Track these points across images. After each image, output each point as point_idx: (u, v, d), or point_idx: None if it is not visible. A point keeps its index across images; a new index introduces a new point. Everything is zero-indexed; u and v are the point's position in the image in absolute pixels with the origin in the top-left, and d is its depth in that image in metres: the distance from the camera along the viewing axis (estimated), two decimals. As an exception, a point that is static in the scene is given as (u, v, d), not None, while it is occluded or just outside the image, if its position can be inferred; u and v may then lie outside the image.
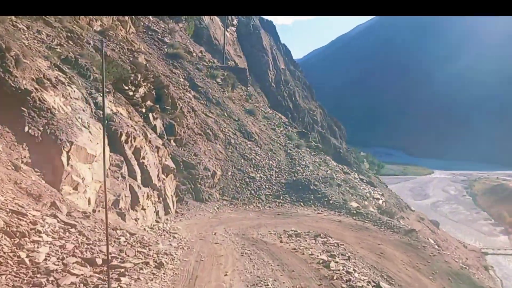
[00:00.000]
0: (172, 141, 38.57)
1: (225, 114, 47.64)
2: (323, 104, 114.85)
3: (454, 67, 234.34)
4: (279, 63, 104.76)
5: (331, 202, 40.44)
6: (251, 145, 45.84)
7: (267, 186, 41.79)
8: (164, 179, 29.21)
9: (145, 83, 37.16)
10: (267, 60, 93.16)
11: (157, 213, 26.37)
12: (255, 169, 43.12)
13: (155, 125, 37.29)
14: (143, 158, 24.85)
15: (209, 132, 43.70)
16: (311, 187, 41.96)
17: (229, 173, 41.54)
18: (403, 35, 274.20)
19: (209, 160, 40.46)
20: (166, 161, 30.75)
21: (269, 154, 46.16)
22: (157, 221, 26.31)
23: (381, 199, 51.00)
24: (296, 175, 44.37)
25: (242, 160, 43.45)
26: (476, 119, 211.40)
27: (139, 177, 23.77)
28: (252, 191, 40.61)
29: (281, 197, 40.77)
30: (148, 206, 24.06)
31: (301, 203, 40.26)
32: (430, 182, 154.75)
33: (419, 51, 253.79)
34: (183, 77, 48.51)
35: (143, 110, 36.76)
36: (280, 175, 43.91)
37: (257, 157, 44.65)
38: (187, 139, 40.44)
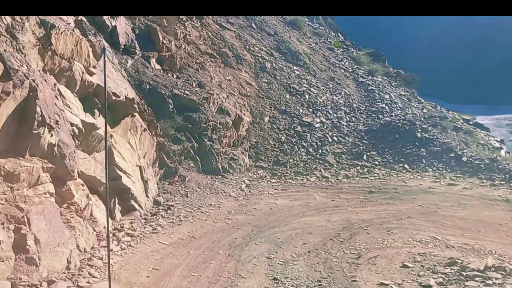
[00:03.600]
0: (153, 59, 18.20)
1: (254, 25, 26.93)
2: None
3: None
4: None
5: (463, 159, 19.73)
6: (300, 72, 25.14)
7: (335, 139, 21.31)
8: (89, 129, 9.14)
9: None
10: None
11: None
12: (311, 110, 22.57)
13: (113, 27, 16.98)
14: None
15: (226, 52, 23.17)
16: (418, 135, 21.20)
17: (266, 119, 21.19)
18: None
19: (227, 97, 20.11)
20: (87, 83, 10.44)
21: (331, 86, 25.40)
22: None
23: (503, 147, 29.52)
24: (380, 116, 23.66)
25: (287, 96, 22.90)
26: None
27: None
28: (311, 149, 20.31)
29: (364, 156, 20.36)
30: None
31: (405, 165, 19.77)
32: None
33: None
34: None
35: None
36: (354, 118, 23.27)
37: (311, 90, 24.01)
38: (186, 60, 20.03)
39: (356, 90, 26.26)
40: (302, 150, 20.32)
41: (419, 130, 21.34)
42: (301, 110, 22.34)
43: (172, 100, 17.20)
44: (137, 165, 13.10)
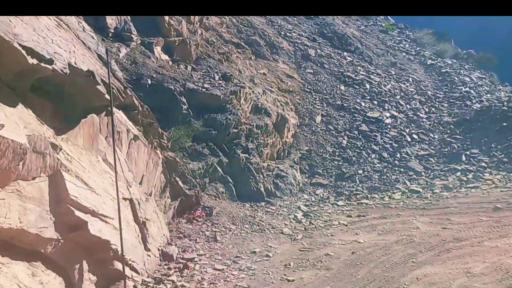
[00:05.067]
0: (157, 47, 12.88)
1: (287, 8, 21.17)
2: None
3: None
4: None
5: None
6: (352, 59, 19.31)
7: (415, 137, 15.39)
8: None
9: None
10: None
11: None
12: (375, 103, 16.73)
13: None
14: None
15: (256, 40, 17.72)
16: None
17: (318, 119, 15.46)
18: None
19: (264, 93, 14.45)
20: None
21: (394, 72, 19.41)
22: None
23: None
24: (468, 102, 17.45)
25: (342, 87, 17.12)
26: None
27: None
28: (385, 154, 14.48)
29: (463, 157, 14.35)
30: None
31: (530, 166, 13.33)
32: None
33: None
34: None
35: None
36: (434, 108, 17.22)
37: (372, 78, 18.13)
38: (204, 49, 14.64)
39: (426, 75, 20.11)
40: (373, 156, 14.35)
41: (538, 114, 14.97)
42: (362, 104, 16.40)
43: (185, 98, 11.71)
44: (124, 198, 7.54)
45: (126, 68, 11.77)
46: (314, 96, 16.41)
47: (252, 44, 17.75)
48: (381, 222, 10.52)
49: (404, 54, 21.57)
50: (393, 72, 19.32)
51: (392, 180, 13.42)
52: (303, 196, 12.56)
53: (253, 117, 13.07)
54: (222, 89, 12.54)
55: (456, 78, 19.49)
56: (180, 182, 10.38)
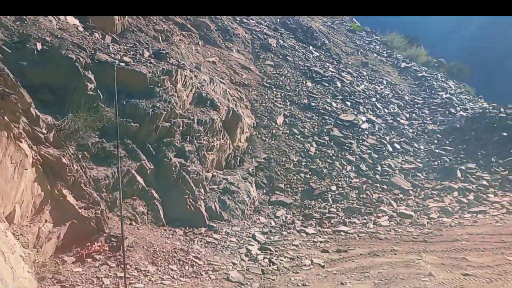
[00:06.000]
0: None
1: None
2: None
3: None
4: None
5: None
6: (319, 55, 16.22)
7: (398, 146, 12.53)
8: None
9: None
10: None
11: None
12: (349, 104, 13.62)
13: None
14: None
15: (206, 23, 14.19)
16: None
17: (279, 120, 12.08)
18: None
19: (212, 82, 10.84)
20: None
21: (365, 73, 16.58)
22: None
23: None
24: (452, 110, 14.68)
25: (309, 83, 13.93)
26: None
27: None
28: (363, 166, 11.36)
29: (458, 173, 11.46)
30: None
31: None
32: None
33: None
34: None
35: None
36: (415, 115, 14.24)
37: (343, 75, 14.97)
38: (135, 21, 10.89)
39: (401, 79, 17.37)
40: (349, 168, 11.13)
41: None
42: (334, 104, 13.22)
43: (93, 74, 7.92)
44: None
45: (7, 26, 7.86)
46: (275, 93, 13.04)
47: (200, 27, 14.27)
48: (373, 263, 7.18)
49: (375, 55, 18.80)
50: (364, 73, 16.40)
51: (375, 200, 10.22)
52: (259, 219, 9.05)
53: (194, 109, 9.45)
54: (151, 67, 8.85)
55: (435, 83, 16.89)
56: (71, 197, 6.54)
